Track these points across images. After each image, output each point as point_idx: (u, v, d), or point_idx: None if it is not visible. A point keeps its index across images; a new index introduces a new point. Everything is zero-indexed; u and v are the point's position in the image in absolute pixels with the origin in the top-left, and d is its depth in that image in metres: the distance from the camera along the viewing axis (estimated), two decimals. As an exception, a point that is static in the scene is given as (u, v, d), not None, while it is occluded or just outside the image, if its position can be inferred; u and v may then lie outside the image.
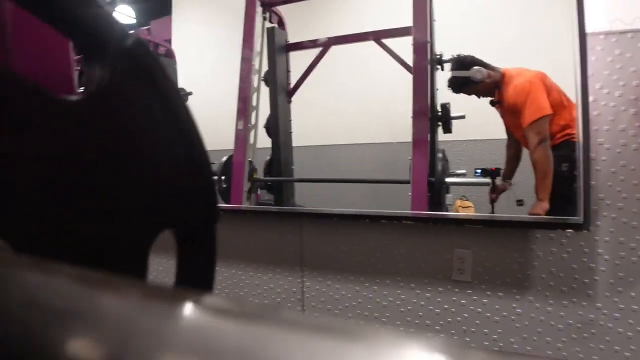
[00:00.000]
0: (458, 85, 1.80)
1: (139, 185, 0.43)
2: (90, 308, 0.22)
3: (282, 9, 2.21)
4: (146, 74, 0.42)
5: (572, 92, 1.24)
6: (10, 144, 0.33)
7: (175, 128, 0.47)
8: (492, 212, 1.95)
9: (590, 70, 1.22)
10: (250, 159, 2.11)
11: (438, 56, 1.80)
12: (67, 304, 0.23)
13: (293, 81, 2.24)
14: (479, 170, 2.02)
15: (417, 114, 1.67)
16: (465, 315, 1.53)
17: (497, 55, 2.03)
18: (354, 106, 2.34)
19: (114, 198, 0.40)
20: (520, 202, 1.96)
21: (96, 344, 0.20)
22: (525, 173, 2.02)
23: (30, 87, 0.34)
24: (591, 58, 1.23)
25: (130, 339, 0.18)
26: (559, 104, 1.51)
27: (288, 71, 2.24)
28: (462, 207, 2.17)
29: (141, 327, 0.19)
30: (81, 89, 0.47)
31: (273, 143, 2.21)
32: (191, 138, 0.50)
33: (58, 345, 0.21)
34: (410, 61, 1.82)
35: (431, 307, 1.57)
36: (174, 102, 0.46)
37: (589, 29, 1.21)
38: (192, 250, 0.55)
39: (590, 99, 1.23)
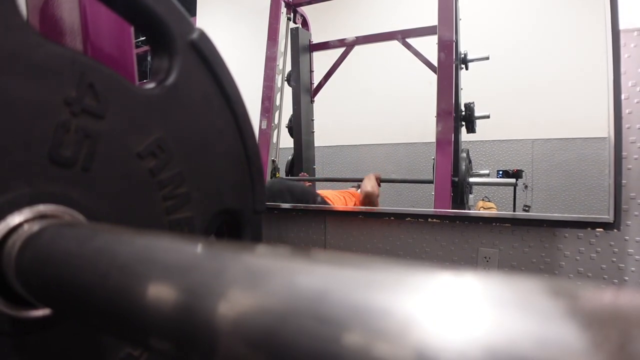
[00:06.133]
0: None
1: (202, 173, 0.45)
2: (162, 258, 0.24)
3: (305, 9, 2.23)
4: (210, 67, 0.44)
5: (603, 90, 1.23)
6: (92, 127, 0.35)
7: (232, 122, 0.49)
8: (514, 211, 1.94)
9: (622, 68, 1.21)
10: (273, 159, 2.13)
11: (463, 55, 1.80)
12: (142, 255, 0.25)
13: (316, 81, 2.27)
14: (500, 172, 2.01)
15: (441, 114, 1.67)
16: (491, 314, 1.51)
17: (525, 53, 2.02)
18: (376, 106, 2.35)
19: (183, 184, 0.42)
20: (526, 208, 1.95)
21: (170, 286, 0.22)
22: (533, 180, 2.01)
23: (112, 76, 0.36)
24: (624, 55, 1.22)
25: (198, 280, 0.21)
26: None
27: (311, 71, 2.26)
28: (484, 208, 2.16)
29: (206, 270, 0.21)
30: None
31: (295, 143, 2.23)
32: (245, 132, 0.52)
33: (138, 289, 0.23)
34: (433, 60, 1.82)
35: (456, 306, 1.56)
36: (232, 96, 0.47)
37: (622, 25, 1.20)
38: (239, 236, 0.56)
39: (623, 96, 1.22)
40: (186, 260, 0.23)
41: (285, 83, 2.20)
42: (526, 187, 1.98)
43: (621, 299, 0.12)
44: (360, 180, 2.19)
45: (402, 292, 0.14)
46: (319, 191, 2.01)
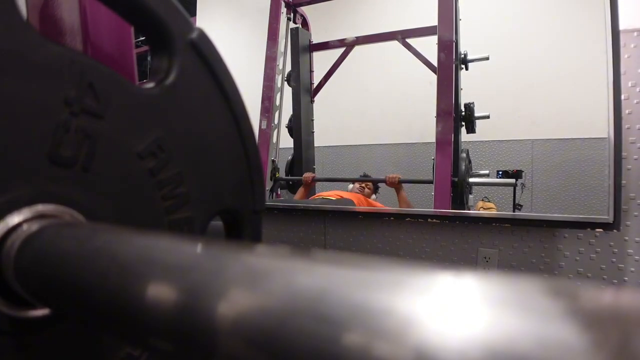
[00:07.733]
0: None
1: (202, 173, 0.45)
2: (162, 258, 0.24)
3: (305, 9, 2.23)
4: (209, 67, 0.44)
5: (603, 90, 1.23)
6: (92, 126, 0.35)
7: (231, 122, 0.49)
8: (514, 211, 1.94)
9: (622, 68, 1.21)
10: (273, 159, 2.13)
11: (463, 55, 1.80)
12: (142, 255, 0.24)
13: (316, 81, 2.27)
14: (500, 172, 2.01)
15: (441, 114, 1.67)
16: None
17: (525, 53, 2.02)
18: (376, 106, 2.35)
19: (183, 184, 0.42)
20: (519, 207, 1.95)
21: (170, 286, 0.22)
22: (533, 180, 2.01)
23: (112, 75, 0.36)
24: (624, 55, 1.22)
25: (198, 280, 0.20)
26: None
27: (311, 71, 2.26)
28: (484, 208, 2.16)
29: (206, 270, 0.21)
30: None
31: (295, 143, 2.23)
32: (245, 132, 0.51)
33: (137, 288, 0.23)
34: (433, 60, 1.82)
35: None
36: (232, 96, 0.47)
37: (622, 25, 1.20)
38: (239, 236, 0.56)
39: (622, 97, 1.22)
40: (186, 260, 0.23)
41: (285, 83, 2.20)
42: (523, 186, 1.98)
43: (621, 299, 0.12)
44: (359, 180, 2.20)
45: (401, 292, 0.14)
46: (327, 192, 2.00)
